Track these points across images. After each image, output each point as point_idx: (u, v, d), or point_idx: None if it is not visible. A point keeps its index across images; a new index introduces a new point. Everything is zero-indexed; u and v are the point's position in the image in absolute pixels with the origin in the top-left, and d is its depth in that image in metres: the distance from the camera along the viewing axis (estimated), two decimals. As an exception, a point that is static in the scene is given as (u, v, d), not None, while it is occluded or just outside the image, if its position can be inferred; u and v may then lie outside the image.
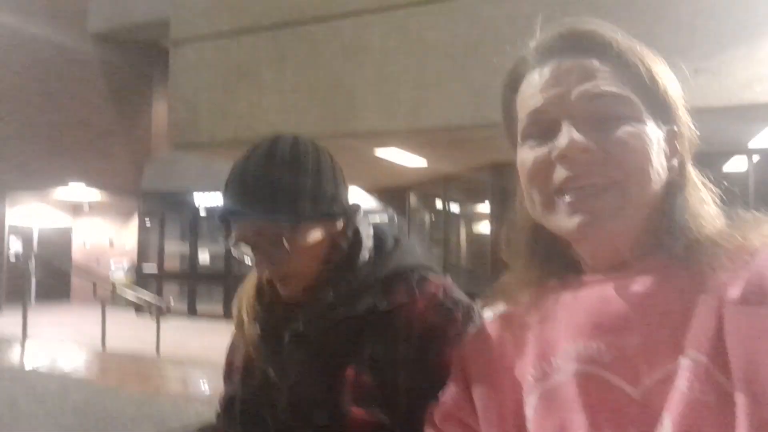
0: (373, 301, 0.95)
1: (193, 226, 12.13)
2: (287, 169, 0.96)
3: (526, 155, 0.67)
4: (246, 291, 1.08)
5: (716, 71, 3.49)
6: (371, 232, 1.06)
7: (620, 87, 0.64)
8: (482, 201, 8.74)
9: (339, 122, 4.37)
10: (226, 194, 0.97)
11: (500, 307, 0.79)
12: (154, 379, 6.50)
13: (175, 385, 6.26)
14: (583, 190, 0.63)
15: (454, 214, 9.77)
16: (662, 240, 0.64)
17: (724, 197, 0.67)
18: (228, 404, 1.03)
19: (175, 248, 12.51)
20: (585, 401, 0.60)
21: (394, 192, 9.23)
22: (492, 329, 0.78)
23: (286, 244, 0.94)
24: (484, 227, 8.89)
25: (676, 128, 0.67)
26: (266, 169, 0.96)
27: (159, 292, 11.06)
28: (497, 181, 6.69)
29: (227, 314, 10.90)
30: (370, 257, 1.02)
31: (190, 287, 11.81)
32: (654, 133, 0.64)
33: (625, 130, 0.63)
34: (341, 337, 0.95)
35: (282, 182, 0.95)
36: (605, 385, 0.60)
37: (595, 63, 0.65)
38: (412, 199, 9.92)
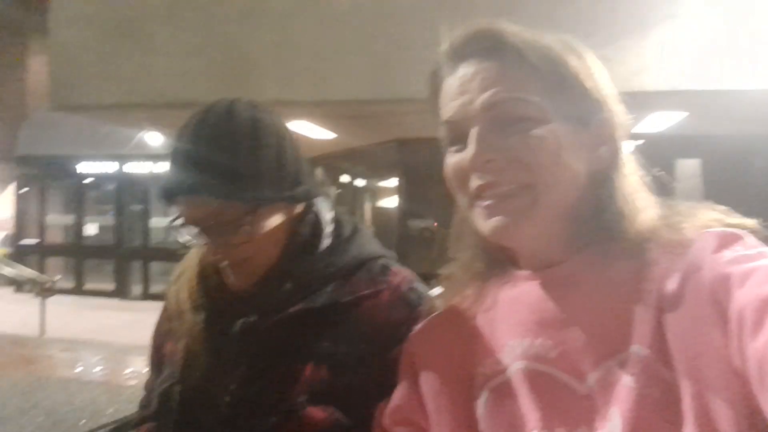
0: (334, 293, 0.88)
1: (79, 195, 11.15)
2: (248, 142, 0.84)
3: (448, 161, 0.68)
4: (185, 276, 0.96)
5: (611, 58, 3.64)
6: (331, 216, 0.97)
7: (523, 90, 0.63)
8: (389, 176, 8.80)
9: (236, 91, 4.10)
10: (175, 165, 0.85)
11: (445, 298, 0.79)
12: (40, 363, 5.98)
13: (65, 370, 5.75)
14: (496, 195, 0.63)
15: (360, 189, 9.76)
16: (596, 234, 0.64)
17: (656, 187, 0.66)
18: (163, 397, 0.90)
19: (58, 220, 11.50)
20: (535, 398, 0.61)
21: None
22: (439, 324, 0.77)
23: (245, 228, 0.84)
24: (390, 202, 8.94)
25: (602, 118, 0.64)
26: (224, 140, 0.83)
27: (41, 268, 10.12)
28: (404, 157, 6.73)
29: (120, 292, 10.33)
30: (329, 244, 0.94)
31: (76, 262, 10.90)
32: (565, 130, 0.63)
33: (529, 134, 0.62)
34: (297, 330, 0.86)
35: (243, 158, 0.83)
36: (553, 381, 0.60)
37: (499, 67, 0.64)
38: (318, 173, 9.77)
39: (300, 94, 4.21)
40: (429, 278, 0.92)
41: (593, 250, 0.64)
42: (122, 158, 10.25)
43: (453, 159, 0.67)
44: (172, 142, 0.87)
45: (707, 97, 3.74)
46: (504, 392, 0.64)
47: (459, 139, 0.66)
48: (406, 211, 7.18)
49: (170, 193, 0.84)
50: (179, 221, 0.85)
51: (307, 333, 0.86)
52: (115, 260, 10.34)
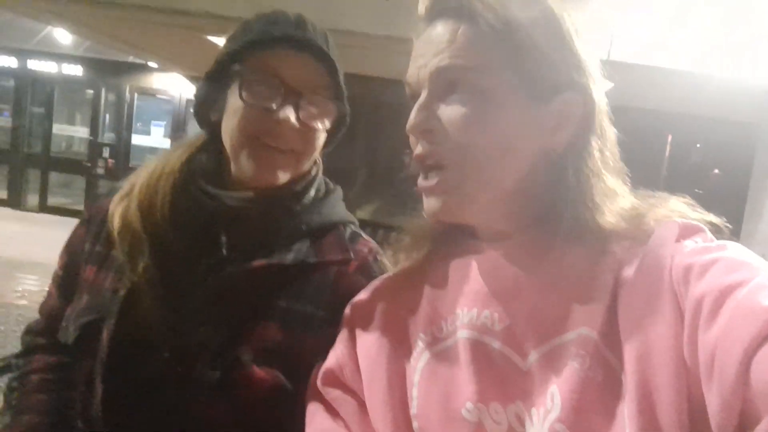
0: (303, 252, 0.84)
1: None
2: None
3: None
4: (140, 195, 0.82)
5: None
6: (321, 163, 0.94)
7: (475, 57, 0.59)
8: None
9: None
10: (261, 22, 0.82)
11: (395, 261, 0.76)
12: None
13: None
14: (428, 168, 0.62)
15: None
16: (549, 214, 0.62)
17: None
18: (85, 332, 0.79)
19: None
20: (473, 369, 0.59)
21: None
22: (385, 288, 0.75)
23: (321, 104, 0.81)
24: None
25: (567, 97, 0.60)
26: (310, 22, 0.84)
27: None
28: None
29: (13, 201, 9.53)
30: (311, 200, 0.89)
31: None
32: (516, 105, 0.60)
33: (466, 112, 0.60)
34: (259, 284, 0.81)
35: (332, 39, 0.85)
36: (495, 354, 0.59)
37: (454, 31, 0.60)
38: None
39: (233, 10, 3.95)
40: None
41: (545, 229, 0.62)
42: (24, 54, 9.24)
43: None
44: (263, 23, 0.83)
45: (633, 70, 3.88)
46: (443, 360, 0.62)
47: (415, 99, 0.64)
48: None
49: (282, 38, 0.79)
50: (254, 75, 0.78)
51: (267, 289, 0.81)
52: (10, 166, 9.50)
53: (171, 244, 0.81)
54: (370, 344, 0.69)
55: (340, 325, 0.76)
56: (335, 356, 0.72)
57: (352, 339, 0.72)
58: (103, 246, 0.86)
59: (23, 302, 4.66)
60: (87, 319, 0.80)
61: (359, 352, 0.70)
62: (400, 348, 0.67)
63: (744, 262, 0.51)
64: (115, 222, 0.82)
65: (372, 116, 5.63)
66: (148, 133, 8.83)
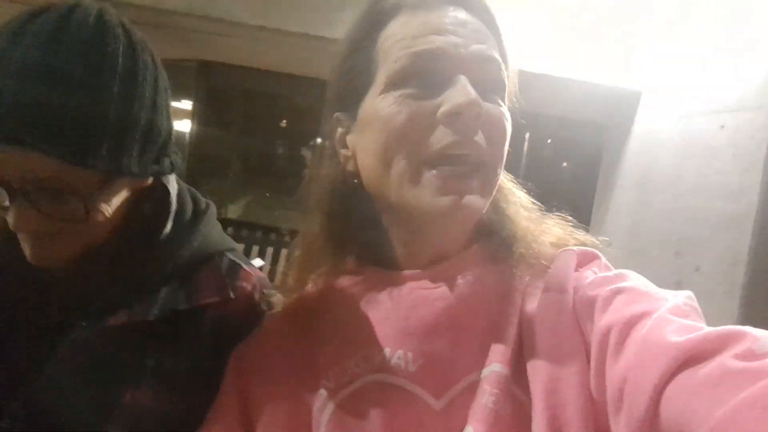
0: (169, 299, 0.69)
1: None
2: (125, 84, 0.58)
3: (395, 107, 0.54)
4: None
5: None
6: (175, 191, 0.74)
7: (500, 57, 0.58)
8: (183, 97, 8.12)
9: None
10: None
11: (284, 295, 0.68)
12: None
13: None
14: (456, 166, 0.53)
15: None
16: (481, 234, 0.60)
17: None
18: None
19: None
20: (383, 413, 0.55)
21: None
22: (277, 331, 0.67)
23: (89, 203, 0.59)
24: (183, 125, 8.28)
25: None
26: (89, 72, 0.55)
27: None
28: (203, 80, 6.26)
29: None
30: (169, 232, 0.72)
31: None
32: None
33: (500, 107, 0.57)
34: (117, 345, 0.67)
35: (114, 104, 0.56)
36: (407, 396, 0.55)
37: (483, 26, 0.58)
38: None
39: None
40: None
41: (474, 251, 0.60)
42: None
43: (409, 105, 0.54)
44: None
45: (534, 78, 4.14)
46: (351, 409, 0.57)
47: (426, 80, 0.54)
48: (199, 138, 6.76)
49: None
50: None
51: (130, 349, 0.67)
52: None
53: (9, 318, 0.67)
54: (266, 399, 0.61)
55: (224, 382, 0.65)
56: (219, 419, 0.63)
57: (242, 393, 0.63)
58: None
59: None
60: None
61: (253, 410, 0.61)
62: (300, 400, 0.60)
63: (645, 292, 0.51)
64: None
65: (245, 106, 5.45)
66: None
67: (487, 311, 0.56)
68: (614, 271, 0.56)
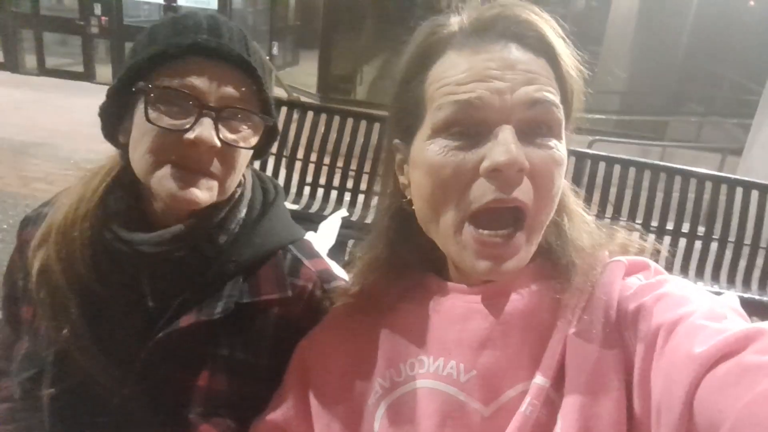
0: (233, 296, 0.74)
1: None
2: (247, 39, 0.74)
3: (441, 159, 0.55)
4: (66, 227, 0.73)
5: None
6: (251, 177, 0.82)
7: (555, 94, 0.55)
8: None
9: None
10: (167, 28, 0.70)
11: (348, 290, 0.71)
12: None
13: None
14: (495, 231, 0.54)
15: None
16: (541, 257, 0.60)
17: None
18: (27, 388, 0.75)
19: None
20: (434, 417, 0.57)
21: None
22: (337, 328, 0.70)
23: (244, 119, 0.71)
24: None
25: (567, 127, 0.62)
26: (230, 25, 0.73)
27: None
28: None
29: (10, 64, 9.08)
30: (240, 226, 0.77)
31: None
32: (564, 146, 0.57)
33: (552, 152, 0.54)
34: (192, 339, 0.73)
35: (252, 42, 0.74)
36: (456, 403, 0.57)
37: (538, 61, 0.54)
38: None
39: None
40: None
41: (526, 273, 0.60)
42: None
43: (452, 156, 0.54)
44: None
45: None
46: (404, 408, 0.60)
47: (467, 131, 0.54)
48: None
49: (192, 46, 0.67)
50: (174, 86, 0.67)
51: (203, 342, 0.74)
52: (1, 28, 9.07)
53: (97, 299, 0.73)
54: (326, 392, 0.66)
55: (287, 371, 0.72)
56: (281, 410, 0.69)
57: (304, 387, 0.69)
58: (30, 285, 0.77)
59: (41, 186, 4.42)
60: (27, 374, 0.75)
61: (313, 403, 0.67)
62: (356, 393, 0.64)
63: (682, 297, 0.52)
64: (35, 276, 0.74)
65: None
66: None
67: (537, 326, 0.57)
68: (656, 277, 0.56)
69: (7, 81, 7.86)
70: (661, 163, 2.84)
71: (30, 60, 8.62)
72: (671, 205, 2.69)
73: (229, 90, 0.69)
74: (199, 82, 0.67)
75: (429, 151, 0.56)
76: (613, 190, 2.63)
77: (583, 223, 0.61)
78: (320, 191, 2.92)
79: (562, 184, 0.58)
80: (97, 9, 8.08)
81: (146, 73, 0.68)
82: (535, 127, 0.54)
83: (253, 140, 0.73)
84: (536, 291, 0.59)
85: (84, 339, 0.72)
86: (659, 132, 6.10)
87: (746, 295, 2.58)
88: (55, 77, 8.16)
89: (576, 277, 0.57)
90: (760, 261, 2.70)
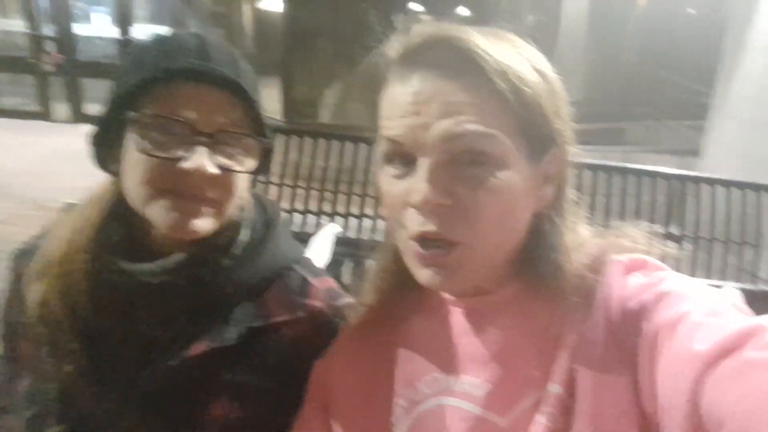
0: (242, 320, 0.72)
1: None
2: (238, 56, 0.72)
3: (386, 187, 0.58)
4: (64, 260, 0.71)
5: None
6: (252, 195, 0.79)
7: (487, 122, 0.53)
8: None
9: None
10: (153, 51, 0.68)
11: (359, 311, 0.72)
12: None
13: None
14: (435, 247, 0.56)
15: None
16: (526, 267, 0.61)
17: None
18: (29, 423, 0.72)
19: None
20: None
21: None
22: (352, 348, 0.70)
23: (239, 142, 0.69)
24: (274, 4, 8.13)
25: (554, 152, 0.58)
26: (222, 43, 0.71)
27: None
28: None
29: (45, 112, 8.71)
30: (244, 246, 0.75)
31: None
32: (522, 174, 0.56)
33: (483, 184, 0.54)
34: (202, 367, 0.71)
35: (243, 61, 0.72)
36: (474, 418, 0.59)
37: (465, 89, 0.53)
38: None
39: None
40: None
41: (521, 284, 0.61)
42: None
43: (392, 185, 0.57)
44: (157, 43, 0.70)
45: None
46: (425, 425, 0.61)
47: (401, 162, 0.56)
48: (292, 17, 6.67)
49: (181, 72, 0.65)
50: (158, 111, 0.65)
51: (214, 368, 0.72)
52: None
53: (99, 333, 0.71)
54: (347, 411, 0.67)
55: (307, 393, 0.71)
56: (306, 426, 0.69)
57: (324, 407, 0.69)
58: (28, 320, 0.74)
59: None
60: (31, 412, 0.73)
61: (335, 423, 0.67)
62: (376, 412, 0.65)
63: (682, 294, 0.53)
64: (34, 310, 0.72)
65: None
66: (88, 20, 8.11)
67: (544, 334, 0.58)
68: (654, 274, 0.57)
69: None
70: (629, 165, 2.93)
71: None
72: (640, 207, 2.78)
73: (222, 115, 0.67)
74: (190, 109, 0.65)
75: (381, 178, 0.59)
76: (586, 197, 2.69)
77: (573, 229, 0.62)
78: (297, 216, 2.91)
79: (514, 207, 0.57)
80: (49, 46, 7.90)
81: (134, 99, 0.66)
82: (462, 158, 0.54)
83: (250, 163, 0.71)
84: (534, 299, 0.60)
85: (88, 375, 0.70)
86: (616, 138, 6.31)
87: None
88: (10, 117, 7.89)
89: (573, 281, 0.58)
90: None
